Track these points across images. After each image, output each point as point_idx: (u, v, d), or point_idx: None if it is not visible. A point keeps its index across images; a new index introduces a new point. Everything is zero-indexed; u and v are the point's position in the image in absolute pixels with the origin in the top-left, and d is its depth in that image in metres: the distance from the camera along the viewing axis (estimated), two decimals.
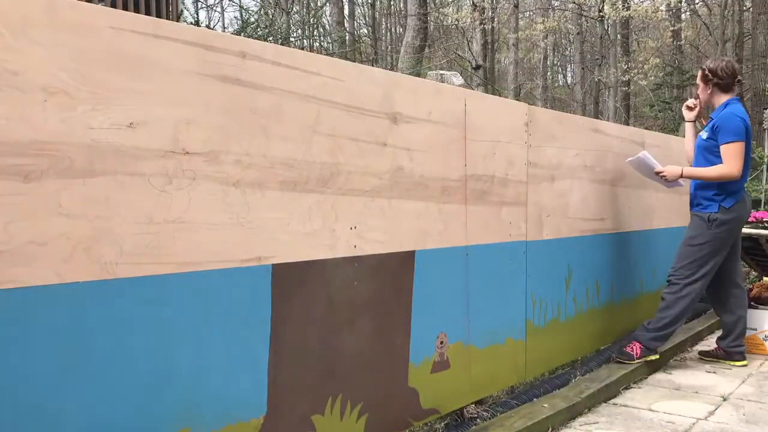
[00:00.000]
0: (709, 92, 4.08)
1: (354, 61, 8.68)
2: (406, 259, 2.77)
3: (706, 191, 4.04)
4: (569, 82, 23.99)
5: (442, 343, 2.95)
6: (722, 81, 4.01)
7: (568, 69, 25.02)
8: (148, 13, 4.63)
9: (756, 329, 4.50)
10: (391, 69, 13.13)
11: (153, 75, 1.87)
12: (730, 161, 3.87)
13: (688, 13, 20.74)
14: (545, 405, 3.24)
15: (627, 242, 4.57)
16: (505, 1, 16.34)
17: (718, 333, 5.14)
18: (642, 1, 16.86)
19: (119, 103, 1.79)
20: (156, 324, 1.89)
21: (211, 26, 15.46)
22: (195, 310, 1.99)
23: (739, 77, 4.00)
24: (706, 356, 4.41)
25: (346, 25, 18.44)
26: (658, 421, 3.25)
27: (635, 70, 15.42)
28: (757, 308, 4.59)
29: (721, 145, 3.91)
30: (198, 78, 1.98)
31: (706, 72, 4.04)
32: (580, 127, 4.06)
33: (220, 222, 2.04)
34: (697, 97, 4.27)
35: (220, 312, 2.06)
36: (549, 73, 23.48)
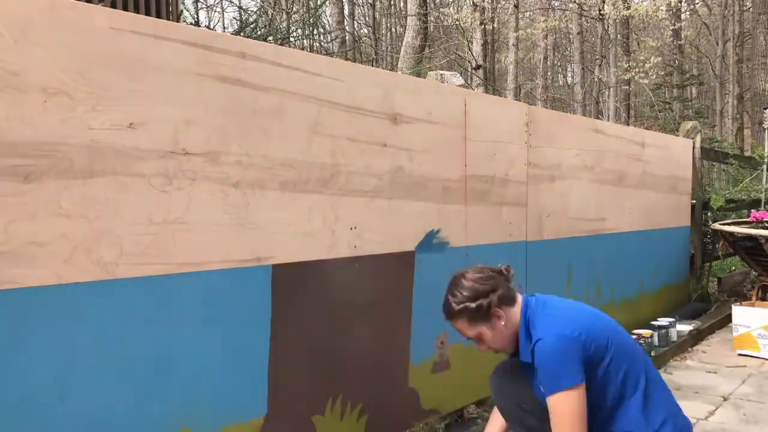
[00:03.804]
0: (503, 322, 2.17)
1: (354, 62, 8.68)
2: (406, 259, 2.76)
3: None
4: (569, 82, 23.99)
5: (442, 343, 2.95)
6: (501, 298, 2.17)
7: (568, 69, 25.03)
8: (148, 13, 4.62)
9: (749, 327, 4.50)
10: (392, 69, 13.12)
11: (153, 75, 1.87)
12: None
13: (688, 12, 20.73)
14: None
15: (627, 242, 4.57)
16: (505, 1, 16.33)
17: (719, 333, 5.15)
18: (642, 1, 16.86)
19: (119, 103, 1.79)
20: (156, 324, 1.89)
21: (211, 26, 15.45)
22: (195, 311, 1.99)
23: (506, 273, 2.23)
24: None
25: (347, 25, 18.43)
26: None
27: (636, 70, 15.41)
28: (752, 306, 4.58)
29: None
30: (198, 78, 1.98)
31: (476, 307, 2.14)
32: (580, 127, 4.06)
33: (220, 222, 2.04)
34: None
35: (220, 312, 2.06)
36: (549, 73, 23.48)
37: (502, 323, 2.13)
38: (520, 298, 2.19)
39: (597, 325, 2.13)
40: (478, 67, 12.56)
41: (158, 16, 4.80)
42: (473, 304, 2.10)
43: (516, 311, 2.16)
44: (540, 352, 2.05)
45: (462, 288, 2.13)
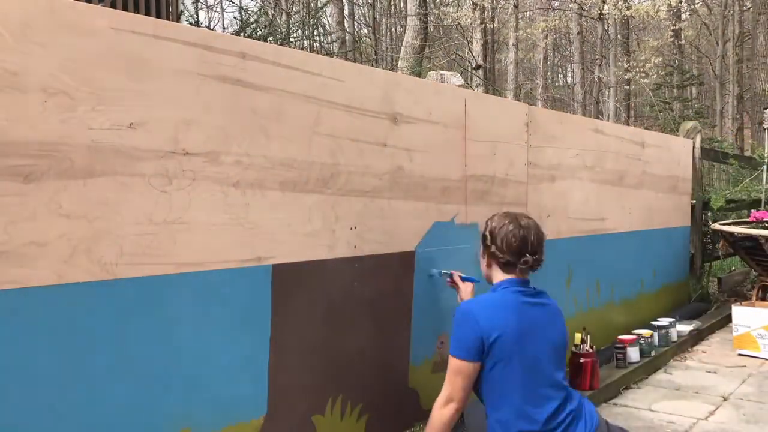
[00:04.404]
0: (485, 263, 2.41)
1: (354, 62, 8.69)
2: (407, 259, 2.76)
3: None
4: (569, 82, 23.99)
5: (442, 343, 2.95)
6: (501, 256, 2.32)
7: (568, 69, 25.03)
8: (148, 13, 4.63)
9: (749, 327, 4.50)
10: (391, 69, 13.12)
11: (153, 75, 1.87)
12: (444, 385, 2.28)
13: (688, 12, 20.72)
14: None
15: (627, 242, 4.57)
16: (505, 1, 16.33)
17: (719, 333, 5.15)
18: (642, 1, 16.86)
19: (119, 103, 1.79)
20: (156, 324, 1.89)
21: (211, 27, 15.45)
22: (195, 311, 1.99)
23: (528, 258, 2.29)
24: None
25: (347, 25, 18.44)
26: (659, 422, 3.25)
27: (636, 69, 15.42)
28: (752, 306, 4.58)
29: None
30: (198, 78, 1.98)
31: (485, 233, 2.40)
32: (580, 127, 4.06)
33: (220, 222, 2.04)
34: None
35: (220, 312, 2.06)
36: (549, 73, 23.47)
37: (484, 263, 2.42)
38: (510, 277, 2.33)
39: (510, 326, 2.21)
40: (478, 67, 12.56)
41: (158, 16, 4.80)
42: (485, 231, 2.40)
43: (496, 276, 2.36)
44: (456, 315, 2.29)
45: (501, 220, 2.37)
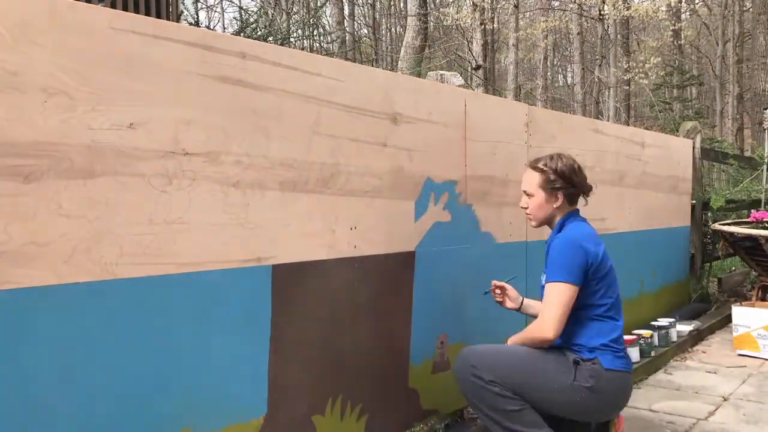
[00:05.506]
0: (557, 203, 2.58)
1: (354, 62, 8.68)
2: (407, 259, 2.76)
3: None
4: (569, 82, 23.99)
5: (442, 343, 2.95)
6: (575, 190, 2.59)
7: (568, 69, 25.02)
8: (148, 13, 4.63)
9: (749, 327, 4.50)
10: (391, 69, 13.12)
11: (153, 75, 1.87)
12: (546, 312, 2.39)
13: (688, 13, 20.74)
14: None
15: (627, 242, 4.57)
16: (505, 1, 16.34)
17: (719, 333, 5.15)
18: (642, 1, 16.86)
19: (119, 103, 1.79)
20: (156, 324, 1.89)
21: (211, 27, 15.46)
22: (195, 311, 1.99)
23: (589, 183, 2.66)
24: None
25: (347, 25, 18.45)
26: (659, 421, 3.25)
27: (636, 70, 15.42)
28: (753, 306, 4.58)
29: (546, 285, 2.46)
30: (198, 78, 1.98)
31: (553, 177, 2.55)
32: (580, 127, 4.06)
33: (220, 222, 2.04)
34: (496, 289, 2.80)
35: (220, 312, 2.06)
36: (549, 73, 23.46)
37: (553, 205, 2.60)
38: (573, 209, 2.63)
39: (604, 258, 2.51)
40: (478, 67, 12.57)
41: (158, 16, 4.80)
42: (553, 176, 2.56)
43: (564, 211, 2.61)
44: (555, 244, 2.49)
45: (563, 160, 2.59)
